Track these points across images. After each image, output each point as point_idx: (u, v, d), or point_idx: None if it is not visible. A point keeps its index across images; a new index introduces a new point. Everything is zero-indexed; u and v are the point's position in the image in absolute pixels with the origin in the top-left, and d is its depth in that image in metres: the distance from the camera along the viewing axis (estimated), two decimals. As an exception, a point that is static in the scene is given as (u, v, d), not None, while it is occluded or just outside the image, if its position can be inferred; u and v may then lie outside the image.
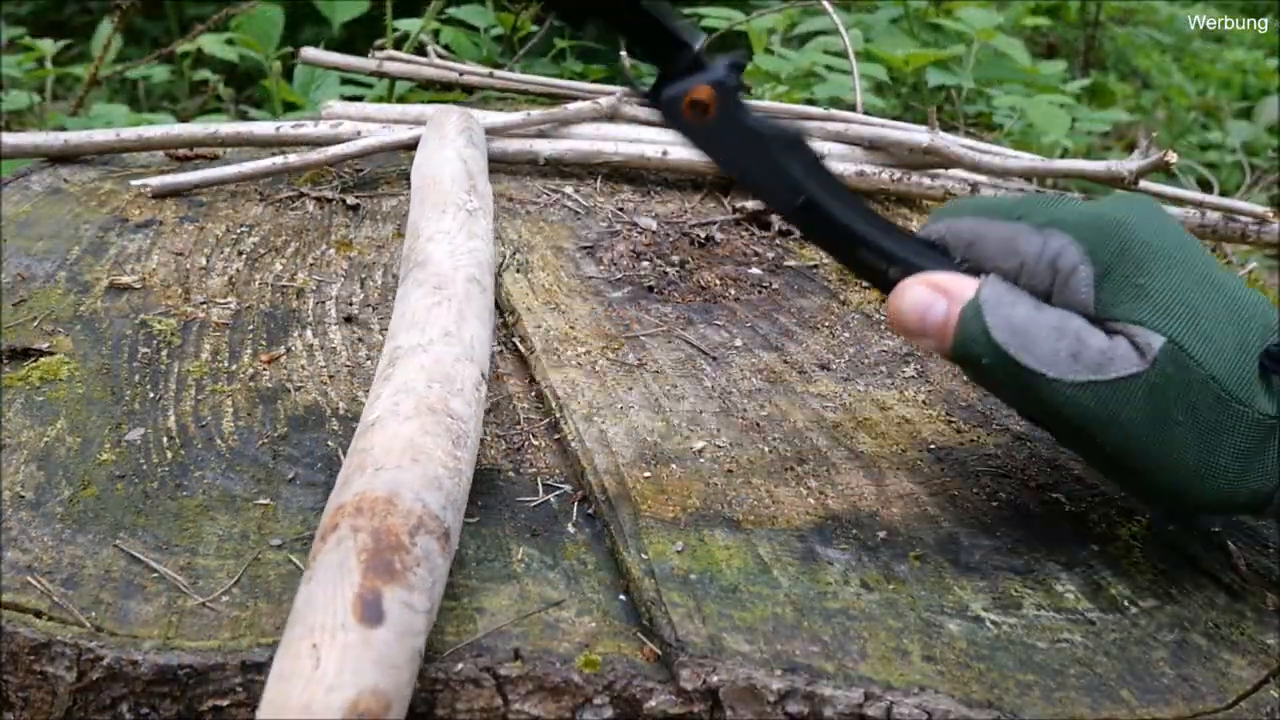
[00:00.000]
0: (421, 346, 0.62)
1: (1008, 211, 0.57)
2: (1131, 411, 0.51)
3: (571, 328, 0.79)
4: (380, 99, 1.53)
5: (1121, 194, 0.59)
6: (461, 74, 1.25)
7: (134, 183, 1.00)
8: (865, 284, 0.57)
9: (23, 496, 0.58)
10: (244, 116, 1.83)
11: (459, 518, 0.53)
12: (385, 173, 1.08)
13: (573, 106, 1.12)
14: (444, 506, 0.51)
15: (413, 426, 0.54)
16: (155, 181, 0.99)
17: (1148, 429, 0.52)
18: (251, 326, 0.77)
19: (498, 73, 1.26)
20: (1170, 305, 0.52)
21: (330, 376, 0.71)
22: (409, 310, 0.67)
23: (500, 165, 1.09)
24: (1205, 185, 1.82)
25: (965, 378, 0.71)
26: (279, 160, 1.02)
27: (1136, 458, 0.52)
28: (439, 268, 0.72)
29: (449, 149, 0.93)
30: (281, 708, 0.40)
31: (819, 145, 0.59)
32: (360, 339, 0.76)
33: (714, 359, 0.76)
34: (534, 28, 1.76)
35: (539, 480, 0.62)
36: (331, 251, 0.90)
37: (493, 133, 1.08)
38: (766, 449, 0.66)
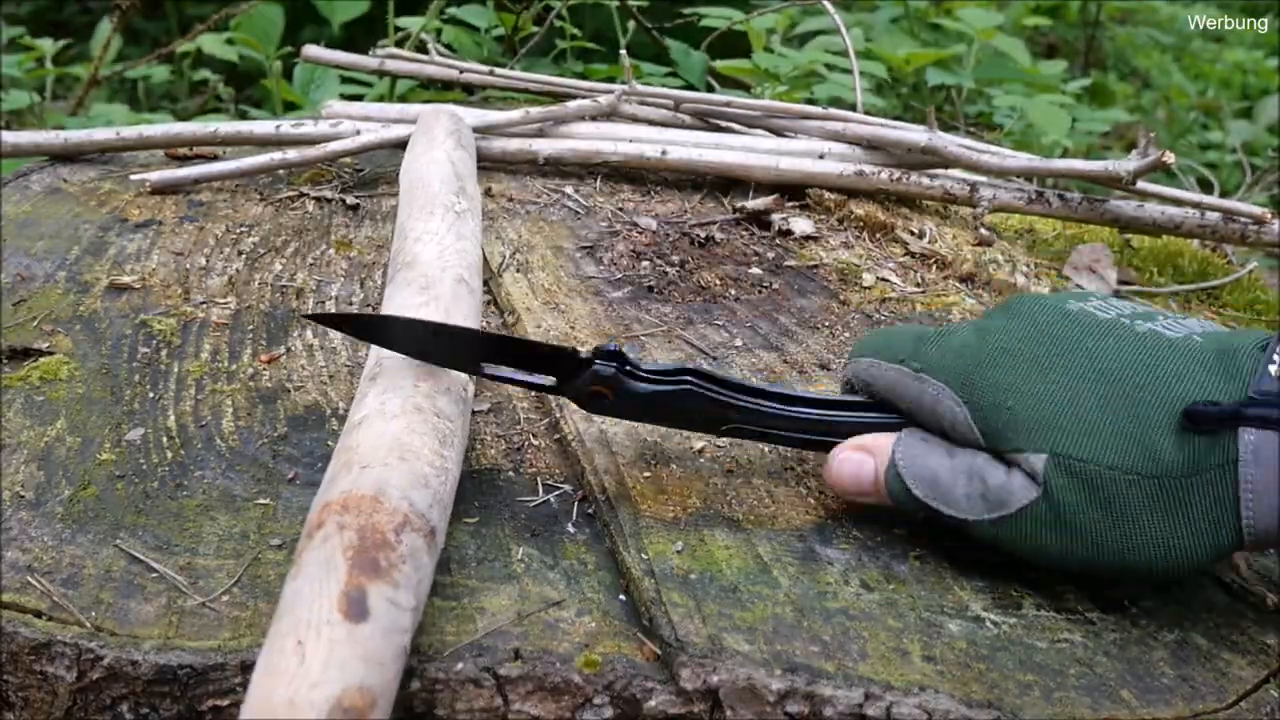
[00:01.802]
0: None
1: (894, 354, 0.59)
2: (1049, 532, 0.53)
3: (571, 328, 0.79)
4: (380, 98, 1.53)
5: (1003, 303, 0.61)
6: (462, 72, 1.25)
7: (134, 177, 1.00)
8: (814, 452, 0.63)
9: (23, 496, 0.58)
10: (244, 116, 1.83)
11: (446, 516, 0.53)
12: (385, 173, 1.08)
13: (572, 105, 1.12)
14: (430, 505, 0.51)
15: (399, 425, 0.54)
16: (155, 176, 0.99)
17: (1075, 540, 0.53)
18: (251, 326, 0.77)
19: (498, 71, 1.26)
20: (1041, 418, 0.53)
21: (330, 376, 0.71)
22: (396, 310, 0.67)
23: (500, 165, 1.09)
24: (1205, 185, 1.82)
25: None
26: (277, 156, 1.01)
27: (1083, 564, 0.53)
28: (426, 268, 0.72)
29: (438, 150, 0.93)
30: (266, 704, 0.40)
31: (703, 365, 0.66)
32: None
33: (714, 359, 0.76)
34: (534, 28, 1.76)
35: (539, 480, 0.62)
36: (331, 251, 0.90)
37: (491, 131, 1.08)
38: (766, 449, 0.66)
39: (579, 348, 0.60)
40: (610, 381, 0.59)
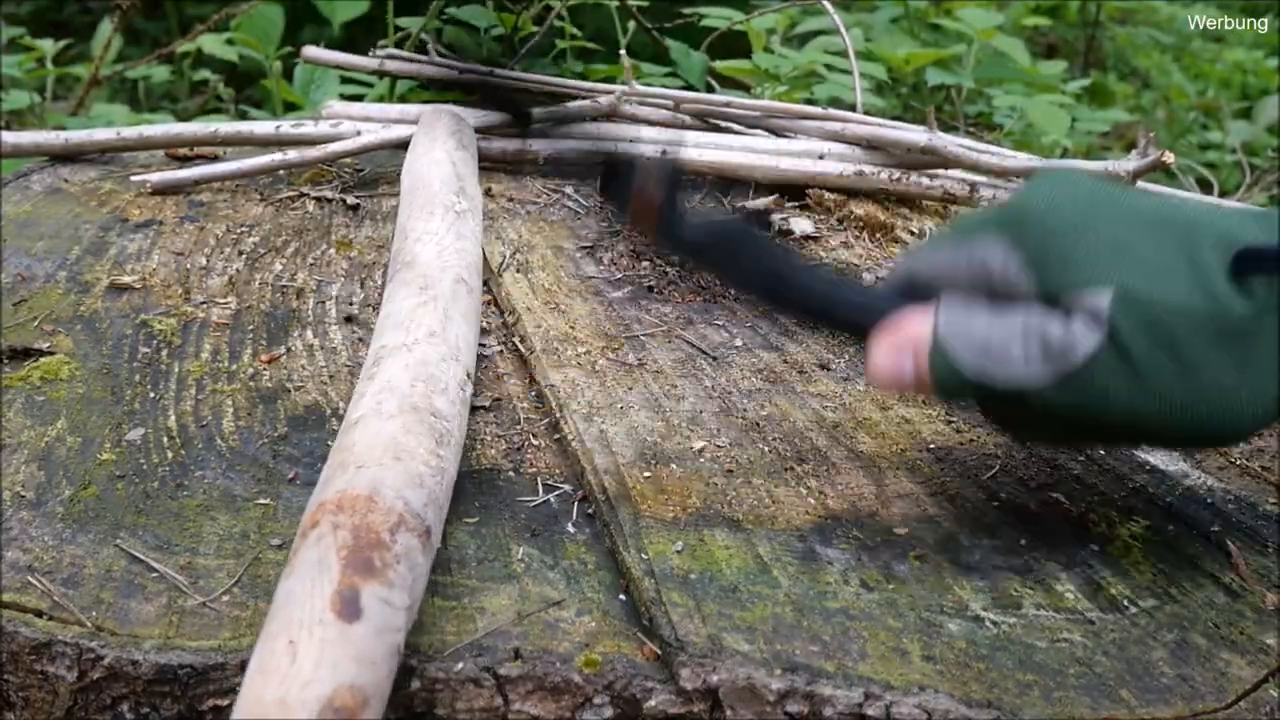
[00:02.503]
0: (406, 346, 0.62)
1: (935, 243, 0.57)
2: (1114, 381, 0.50)
3: (571, 328, 0.79)
4: (381, 98, 1.53)
5: (1035, 177, 0.58)
6: (462, 72, 1.25)
7: (134, 178, 1.00)
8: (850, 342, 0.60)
9: (23, 496, 0.58)
10: (244, 116, 1.83)
11: (441, 516, 0.53)
12: (385, 173, 1.08)
13: (573, 105, 1.12)
14: (425, 505, 0.51)
15: (395, 425, 0.55)
16: (155, 177, 0.99)
17: (1139, 388, 0.49)
18: (251, 326, 0.77)
19: (498, 71, 1.25)
20: (1100, 257, 0.50)
21: (330, 376, 0.71)
22: (395, 310, 0.67)
23: (500, 164, 1.09)
24: (1205, 185, 1.82)
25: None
26: (278, 157, 1.02)
27: (1146, 419, 0.50)
28: (426, 268, 0.72)
29: (439, 150, 0.93)
30: (258, 703, 0.40)
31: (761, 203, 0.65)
32: (360, 339, 0.76)
33: (714, 359, 0.76)
34: (534, 28, 1.76)
35: (539, 480, 0.62)
36: (331, 251, 0.90)
37: (492, 131, 1.08)
38: (766, 449, 0.66)
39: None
40: (669, 190, 0.57)
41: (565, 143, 1.09)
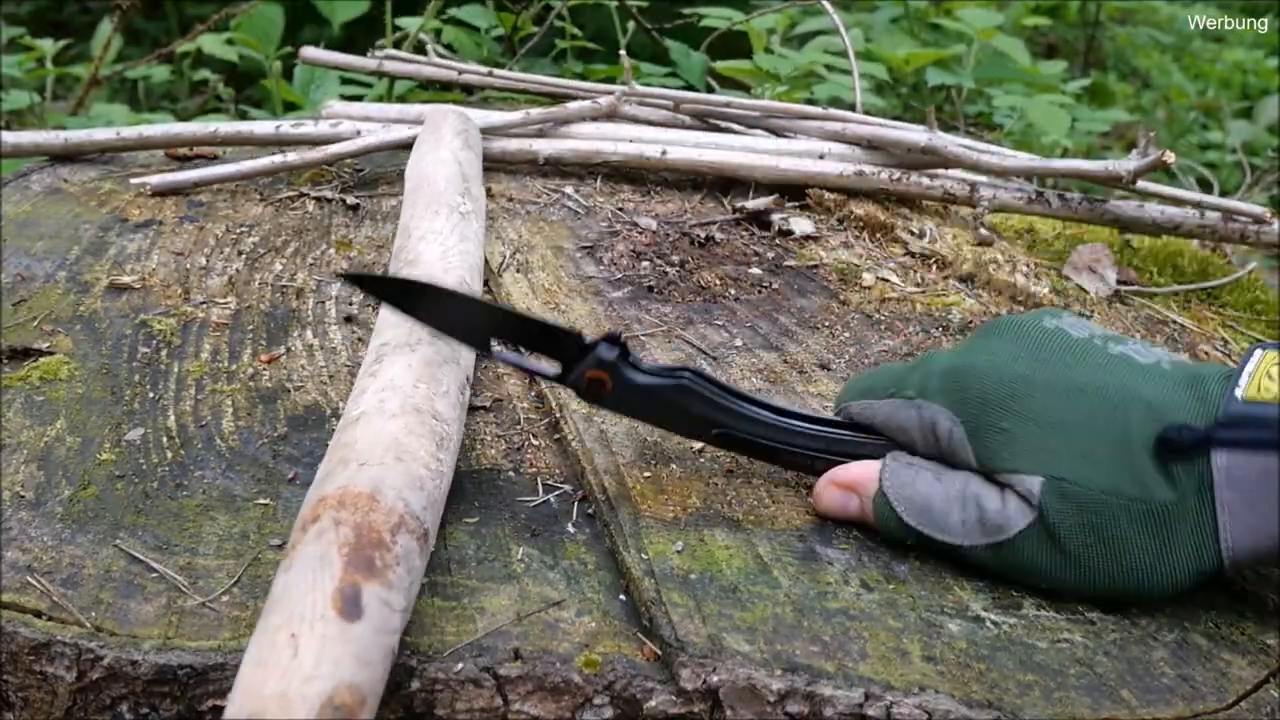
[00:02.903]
0: (409, 345, 0.62)
1: (884, 388, 0.59)
2: (1043, 556, 0.53)
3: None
4: (380, 98, 1.53)
5: (982, 327, 0.61)
6: (461, 73, 1.25)
7: (134, 181, 1.00)
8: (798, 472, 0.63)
9: (23, 496, 0.58)
10: (244, 116, 1.83)
11: (438, 520, 0.53)
12: (385, 173, 1.08)
13: (572, 105, 1.12)
14: (425, 507, 0.51)
15: (398, 425, 0.54)
16: (155, 180, 0.99)
17: (1062, 562, 0.53)
18: (251, 326, 0.77)
19: (497, 72, 1.26)
20: (1036, 439, 0.53)
21: (330, 376, 0.71)
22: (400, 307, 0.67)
23: (500, 165, 1.09)
24: (1205, 185, 1.82)
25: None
26: (278, 158, 1.02)
27: (1071, 585, 0.54)
28: (430, 268, 0.72)
29: (445, 150, 0.93)
30: (257, 695, 0.39)
31: (707, 369, 0.65)
32: (360, 339, 0.76)
33: (714, 359, 0.76)
34: (534, 28, 1.76)
35: (539, 480, 0.62)
36: (331, 251, 0.90)
37: (492, 132, 1.08)
38: (766, 449, 0.66)
39: (585, 333, 0.60)
40: (610, 368, 0.59)
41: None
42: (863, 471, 0.58)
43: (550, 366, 0.60)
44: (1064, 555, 0.53)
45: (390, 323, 0.65)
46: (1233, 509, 0.50)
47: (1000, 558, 0.54)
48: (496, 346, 0.61)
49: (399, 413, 0.55)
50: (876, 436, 0.60)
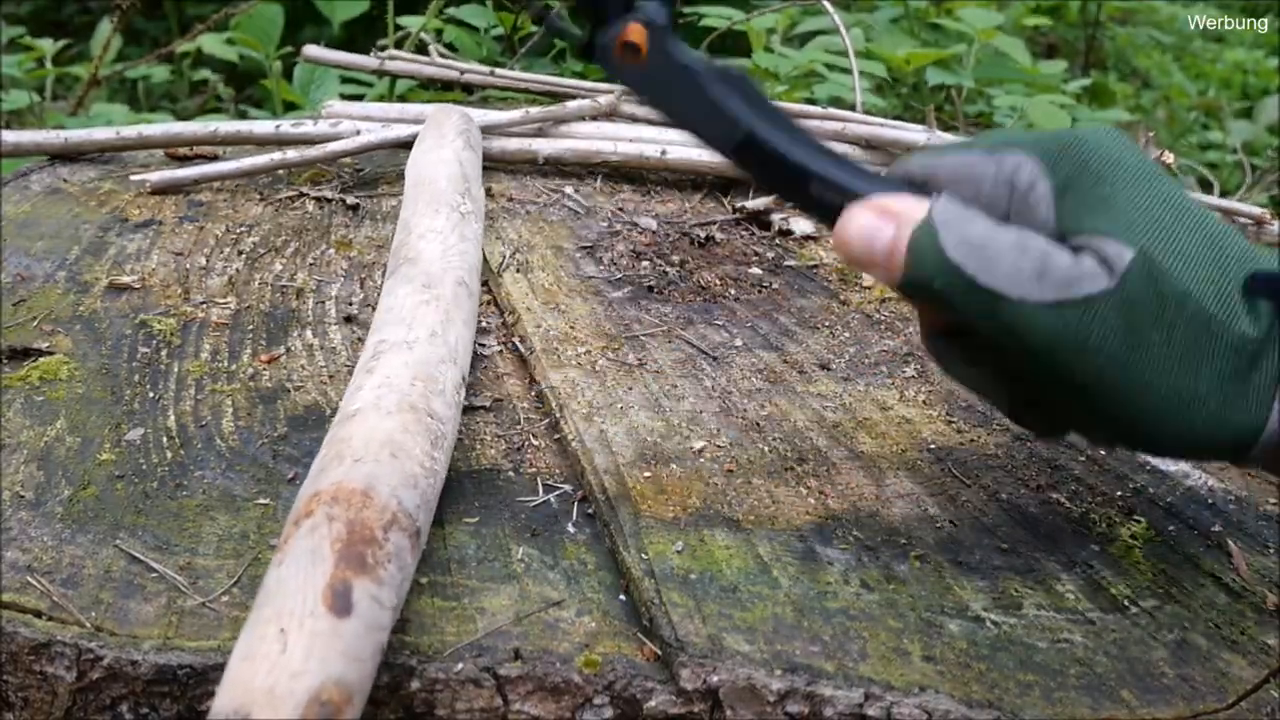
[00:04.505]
0: (407, 343, 0.62)
1: (960, 146, 0.53)
2: (1104, 332, 0.47)
3: (571, 328, 0.79)
4: (380, 98, 1.53)
5: (1089, 126, 0.54)
6: (463, 73, 1.25)
7: (134, 177, 1.00)
8: (820, 222, 0.54)
9: (23, 496, 0.58)
10: (244, 116, 1.83)
11: (430, 519, 0.53)
12: (385, 173, 1.08)
13: (572, 104, 1.12)
14: (418, 506, 0.51)
15: (394, 422, 0.54)
16: (155, 177, 0.99)
17: (1121, 351, 0.47)
18: (251, 326, 0.77)
19: (499, 71, 1.26)
20: (1138, 217, 0.48)
21: (330, 376, 0.71)
22: (396, 305, 0.67)
23: (500, 165, 1.09)
24: (1205, 185, 1.82)
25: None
26: (278, 156, 1.02)
27: (1110, 384, 0.48)
28: (429, 266, 0.72)
29: (447, 149, 0.93)
30: (246, 688, 0.39)
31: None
32: (360, 339, 0.76)
33: (714, 359, 0.76)
34: (534, 28, 1.76)
35: (539, 480, 0.62)
36: (331, 251, 0.90)
37: (492, 130, 1.08)
38: (766, 449, 0.66)
39: None
40: (654, 31, 0.51)
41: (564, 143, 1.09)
42: (907, 201, 0.51)
43: (576, 29, 0.53)
44: (1130, 342, 0.47)
45: (390, 319, 0.65)
46: None
47: (1054, 320, 0.47)
48: None
49: (395, 410, 0.55)
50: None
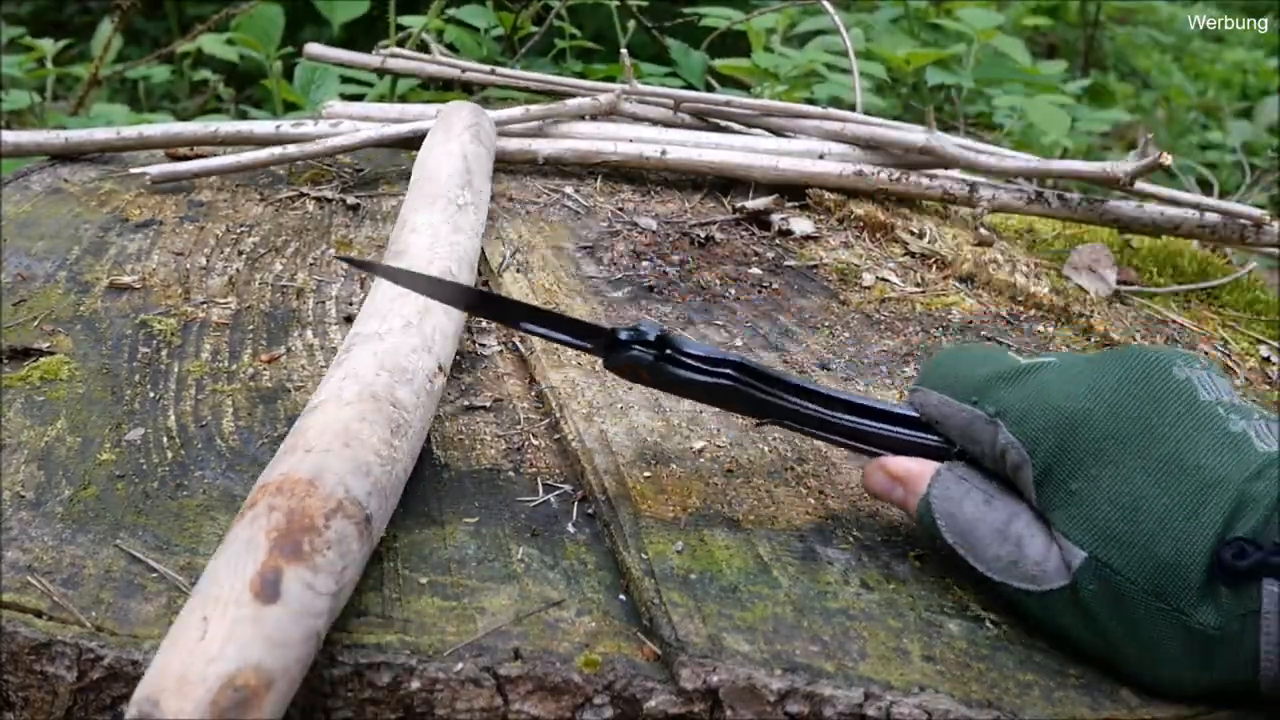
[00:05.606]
0: (378, 335, 0.62)
1: (966, 393, 0.56)
2: (1067, 620, 0.51)
3: (571, 328, 0.79)
4: (381, 98, 1.53)
5: (1114, 352, 0.56)
6: (463, 71, 1.25)
7: (133, 170, 1.00)
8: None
9: (23, 496, 0.58)
10: (244, 116, 1.83)
11: (386, 506, 0.53)
12: (385, 173, 1.08)
13: (572, 102, 1.12)
14: (369, 493, 0.51)
15: (351, 412, 0.55)
16: (155, 170, 0.99)
17: (1088, 635, 0.51)
18: (252, 326, 0.77)
19: (500, 70, 1.26)
20: (1099, 512, 0.50)
21: (330, 376, 0.71)
22: (375, 298, 0.67)
23: (500, 164, 1.09)
24: (1205, 185, 1.82)
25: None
26: (276, 151, 1.01)
27: (1096, 656, 0.52)
28: (414, 259, 0.72)
29: (453, 144, 0.93)
30: (161, 674, 0.40)
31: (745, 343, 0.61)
32: (360, 339, 0.76)
33: (714, 359, 0.76)
34: (534, 28, 1.76)
35: (539, 480, 0.62)
36: (331, 251, 0.90)
37: (498, 128, 1.08)
38: (766, 449, 0.66)
39: (617, 327, 0.59)
40: (646, 366, 0.58)
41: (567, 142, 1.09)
42: (915, 468, 0.57)
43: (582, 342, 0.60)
44: (1094, 630, 0.50)
45: (368, 313, 0.66)
46: (1274, 640, 0.46)
47: (1027, 606, 0.52)
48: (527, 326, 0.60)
49: (354, 400, 0.56)
50: (931, 437, 0.58)
